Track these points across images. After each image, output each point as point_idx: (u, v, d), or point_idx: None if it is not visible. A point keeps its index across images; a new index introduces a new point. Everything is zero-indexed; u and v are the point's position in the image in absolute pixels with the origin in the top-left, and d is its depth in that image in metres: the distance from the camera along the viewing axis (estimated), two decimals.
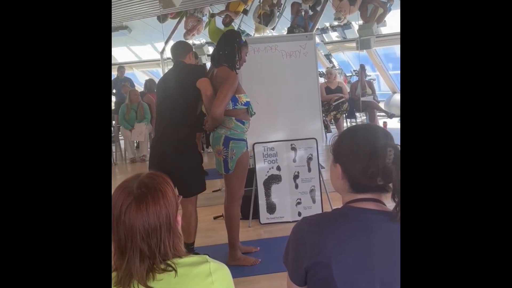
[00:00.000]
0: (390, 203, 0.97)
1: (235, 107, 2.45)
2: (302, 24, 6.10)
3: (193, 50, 3.34)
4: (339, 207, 1.02)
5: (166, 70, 5.10)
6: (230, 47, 2.48)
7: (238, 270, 2.54)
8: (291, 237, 0.98)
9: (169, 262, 0.93)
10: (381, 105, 6.79)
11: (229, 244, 2.70)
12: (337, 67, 8.13)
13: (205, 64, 7.18)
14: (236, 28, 7.20)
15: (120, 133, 6.55)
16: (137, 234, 0.91)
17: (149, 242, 0.92)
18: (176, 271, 0.92)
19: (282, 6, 6.63)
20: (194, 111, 2.54)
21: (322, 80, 6.34)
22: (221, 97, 2.34)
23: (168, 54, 8.24)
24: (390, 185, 0.95)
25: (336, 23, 6.47)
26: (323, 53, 8.08)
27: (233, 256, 2.69)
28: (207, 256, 0.99)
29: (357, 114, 6.26)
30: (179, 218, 1.00)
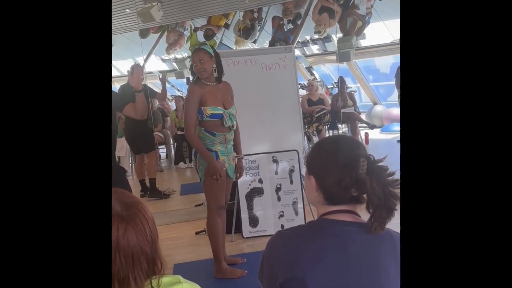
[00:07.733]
0: (364, 214, 0.96)
1: (202, 118, 2.49)
2: (282, 38, 6.16)
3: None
4: (314, 219, 1.01)
5: (148, 84, 5.09)
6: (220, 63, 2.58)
7: (222, 284, 2.49)
8: (266, 252, 0.96)
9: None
10: (363, 116, 6.86)
11: (213, 256, 2.66)
12: (319, 80, 8.20)
13: (188, 78, 7.17)
14: (218, 42, 7.23)
15: None
16: (136, 256, 0.87)
17: (145, 263, 0.89)
18: None
19: (263, 20, 6.70)
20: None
21: (304, 92, 6.38)
22: (185, 120, 2.52)
23: (148, 68, 8.21)
24: (364, 196, 0.94)
25: (316, 36, 6.56)
26: (304, 66, 8.15)
27: (218, 269, 2.64)
28: (179, 277, 0.96)
29: (339, 125, 6.30)
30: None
